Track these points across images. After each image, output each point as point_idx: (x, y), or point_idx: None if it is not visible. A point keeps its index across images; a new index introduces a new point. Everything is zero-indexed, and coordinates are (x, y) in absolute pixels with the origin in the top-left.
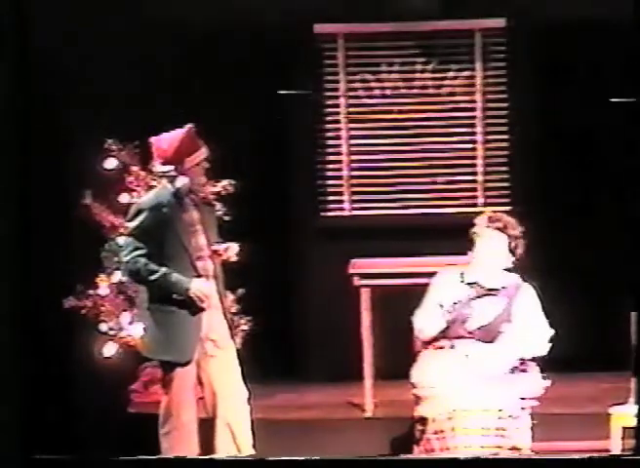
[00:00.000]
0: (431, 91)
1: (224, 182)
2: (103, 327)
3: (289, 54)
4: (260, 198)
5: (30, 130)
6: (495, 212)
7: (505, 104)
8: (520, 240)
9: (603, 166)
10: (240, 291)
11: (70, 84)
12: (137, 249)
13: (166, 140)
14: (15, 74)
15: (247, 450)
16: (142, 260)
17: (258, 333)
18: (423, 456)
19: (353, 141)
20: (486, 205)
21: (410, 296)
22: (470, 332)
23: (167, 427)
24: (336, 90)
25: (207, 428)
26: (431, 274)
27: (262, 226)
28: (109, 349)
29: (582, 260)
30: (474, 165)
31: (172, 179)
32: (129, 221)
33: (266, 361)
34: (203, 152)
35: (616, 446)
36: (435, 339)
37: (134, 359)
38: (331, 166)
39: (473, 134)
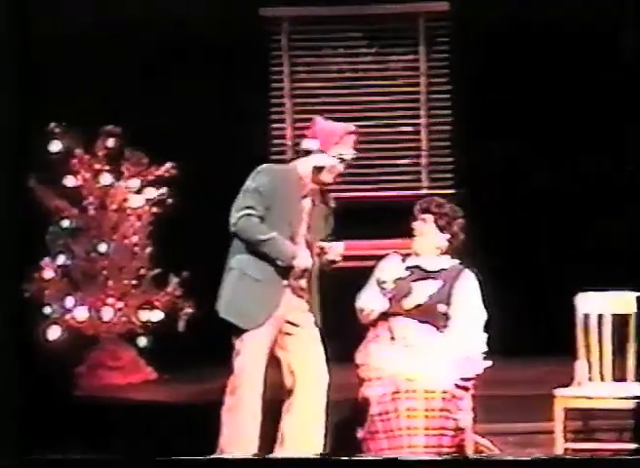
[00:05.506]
0: (375, 74)
1: (167, 165)
2: (47, 310)
3: (233, 37)
4: (204, 181)
5: None
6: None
7: (449, 87)
8: (452, 218)
9: (547, 148)
10: (185, 273)
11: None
12: (248, 208)
13: (331, 122)
14: None
15: (315, 444)
16: (254, 219)
17: (200, 316)
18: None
19: (298, 125)
20: (429, 188)
21: (356, 279)
22: (408, 311)
23: (229, 401)
24: (280, 73)
25: (278, 412)
26: (375, 257)
27: (208, 210)
28: (53, 332)
29: (525, 244)
30: (418, 148)
31: (311, 154)
32: (248, 180)
33: (209, 342)
34: (350, 152)
35: (559, 427)
36: (378, 321)
37: (79, 342)
38: (275, 149)
39: (417, 117)
